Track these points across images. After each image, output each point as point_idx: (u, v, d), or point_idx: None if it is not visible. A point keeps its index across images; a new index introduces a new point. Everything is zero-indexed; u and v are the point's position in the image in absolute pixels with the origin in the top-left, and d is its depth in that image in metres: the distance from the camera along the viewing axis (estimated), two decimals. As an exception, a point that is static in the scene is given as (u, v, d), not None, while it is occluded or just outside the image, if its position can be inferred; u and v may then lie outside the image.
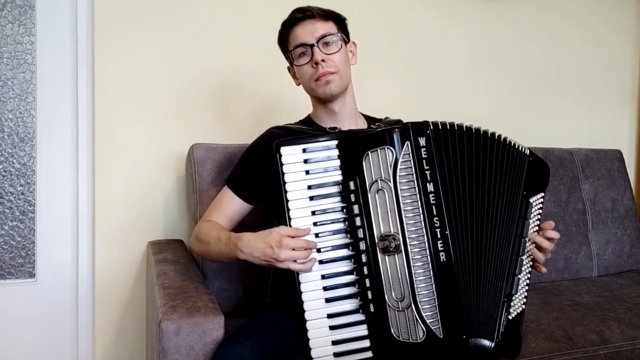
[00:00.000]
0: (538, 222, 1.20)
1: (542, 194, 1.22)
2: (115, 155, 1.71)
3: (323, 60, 1.24)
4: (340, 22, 1.31)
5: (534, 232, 1.19)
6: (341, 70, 1.27)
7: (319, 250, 1.06)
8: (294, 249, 1.03)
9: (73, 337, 1.76)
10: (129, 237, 1.72)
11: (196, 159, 1.57)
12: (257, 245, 1.06)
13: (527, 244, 1.17)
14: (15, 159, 1.71)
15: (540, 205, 1.21)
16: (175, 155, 1.75)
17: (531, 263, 1.19)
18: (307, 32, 1.25)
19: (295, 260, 1.03)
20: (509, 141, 1.16)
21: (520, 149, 1.18)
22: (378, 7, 1.99)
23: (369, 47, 1.90)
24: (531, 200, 1.18)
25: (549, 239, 1.18)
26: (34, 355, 1.73)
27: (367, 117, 1.41)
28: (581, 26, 2.32)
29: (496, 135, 1.15)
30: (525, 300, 1.18)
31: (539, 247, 1.17)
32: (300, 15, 1.27)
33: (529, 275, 1.19)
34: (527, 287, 1.18)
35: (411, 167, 1.05)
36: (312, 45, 1.24)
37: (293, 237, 1.04)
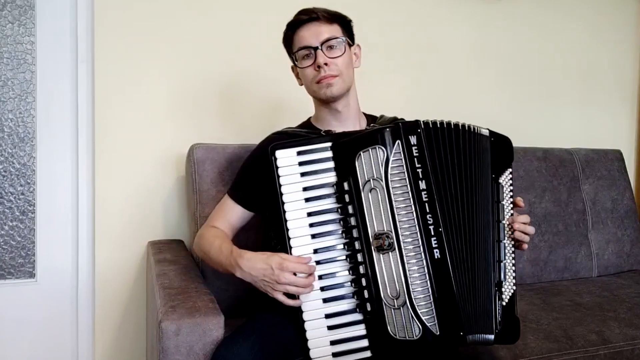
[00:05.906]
0: (511, 200, 1.17)
1: (510, 169, 1.18)
2: (115, 155, 1.71)
3: (326, 64, 1.24)
4: (345, 24, 1.31)
5: (510, 209, 1.16)
6: (344, 73, 1.27)
7: (315, 252, 1.06)
8: (295, 274, 1.03)
9: (73, 337, 1.76)
10: (129, 237, 1.72)
11: (196, 159, 1.57)
12: (257, 265, 1.07)
13: (507, 226, 1.15)
14: (15, 159, 1.71)
15: (511, 181, 1.18)
16: (175, 155, 1.75)
17: (513, 242, 1.17)
18: (312, 34, 1.26)
19: (294, 285, 1.03)
20: (473, 127, 1.13)
21: (479, 131, 1.15)
22: (379, 7, 1.99)
23: (371, 47, 1.90)
24: (500, 180, 1.16)
25: (524, 230, 1.17)
26: (34, 355, 1.73)
27: (368, 116, 1.41)
28: (582, 26, 2.32)
29: (466, 126, 1.12)
30: (514, 282, 1.15)
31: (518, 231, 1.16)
32: (305, 18, 1.27)
33: (513, 255, 1.17)
34: (513, 268, 1.16)
35: (402, 166, 1.05)
36: (315, 48, 1.25)
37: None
